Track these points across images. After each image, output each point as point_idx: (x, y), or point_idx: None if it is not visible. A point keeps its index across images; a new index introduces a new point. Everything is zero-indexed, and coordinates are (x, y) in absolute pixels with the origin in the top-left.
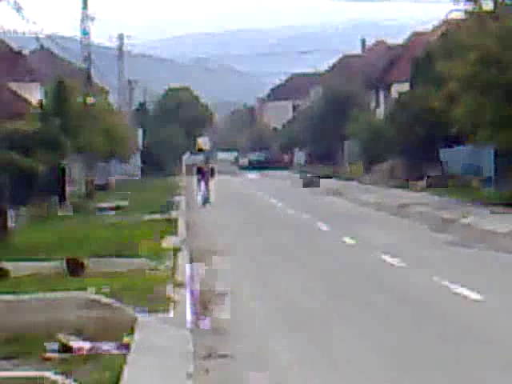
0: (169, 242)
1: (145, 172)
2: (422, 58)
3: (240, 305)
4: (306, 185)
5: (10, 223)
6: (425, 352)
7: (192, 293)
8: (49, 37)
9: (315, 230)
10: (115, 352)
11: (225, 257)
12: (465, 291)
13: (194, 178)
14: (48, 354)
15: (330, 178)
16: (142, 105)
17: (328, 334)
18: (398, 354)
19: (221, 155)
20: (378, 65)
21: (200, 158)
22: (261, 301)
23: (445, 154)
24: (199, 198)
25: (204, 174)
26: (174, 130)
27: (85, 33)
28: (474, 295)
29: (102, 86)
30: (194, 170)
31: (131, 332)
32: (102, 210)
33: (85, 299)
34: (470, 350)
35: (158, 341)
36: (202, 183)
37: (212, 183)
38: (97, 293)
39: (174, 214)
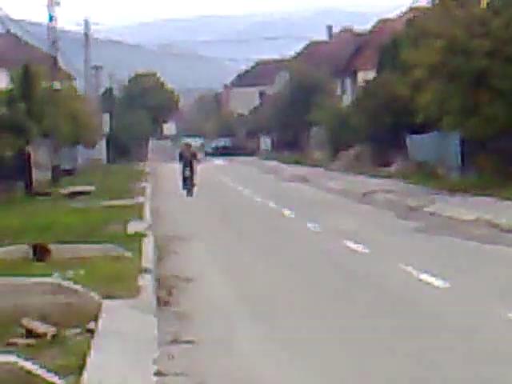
0: (134, 227)
1: (111, 157)
2: (389, 45)
3: (205, 291)
4: None
5: None
6: (388, 339)
7: (157, 278)
8: (15, 21)
9: (281, 216)
10: (80, 337)
11: (190, 243)
12: (429, 278)
13: (178, 165)
14: (13, 340)
15: (299, 163)
16: (109, 90)
17: (292, 320)
18: (361, 341)
19: (187, 141)
20: (345, 52)
21: (166, 143)
22: (226, 287)
23: (411, 141)
24: (182, 187)
25: (186, 160)
26: (140, 115)
27: (51, 18)
28: (439, 282)
29: (68, 72)
30: (176, 156)
31: (96, 317)
32: (67, 195)
33: (50, 284)
34: (434, 337)
35: (123, 326)
36: (187, 171)
37: (196, 171)
38: (62, 278)
39: (139, 199)
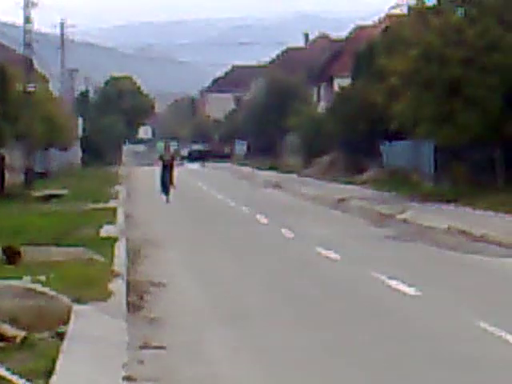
0: (107, 231)
1: (85, 161)
2: (364, 52)
3: (177, 296)
4: None
5: None
6: (359, 347)
7: (128, 283)
8: None
9: (255, 222)
10: (50, 341)
11: (163, 248)
12: (400, 285)
13: (157, 169)
14: None
15: (274, 169)
16: (84, 93)
17: (263, 326)
18: (332, 348)
19: (161, 145)
20: (321, 58)
21: (141, 147)
22: (197, 292)
23: (385, 148)
24: (160, 191)
25: (166, 162)
26: (115, 118)
27: (27, 20)
28: (410, 289)
29: (43, 74)
30: (154, 160)
31: (67, 321)
32: (40, 198)
33: (20, 288)
34: (404, 344)
35: (93, 330)
36: (165, 174)
37: (175, 174)
38: (33, 281)
39: (113, 203)
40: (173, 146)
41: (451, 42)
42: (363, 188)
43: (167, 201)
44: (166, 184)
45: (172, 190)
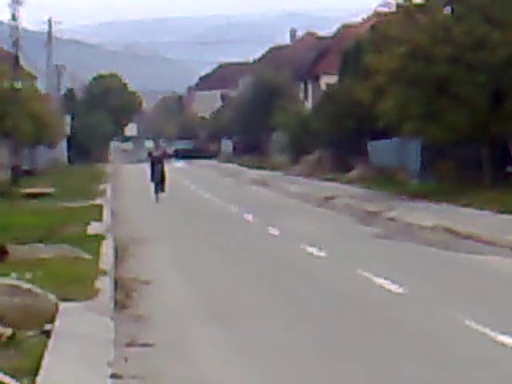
0: (94, 228)
1: (72, 158)
2: (351, 50)
3: (163, 294)
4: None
5: None
6: (344, 344)
7: (115, 280)
8: None
9: (241, 220)
10: (36, 339)
11: (149, 246)
12: (387, 283)
13: (144, 167)
14: None
15: (260, 168)
16: (70, 91)
17: (249, 325)
18: (318, 345)
19: (148, 143)
20: (307, 56)
21: (128, 145)
22: (184, 290)
23: (372, 146)
24: (152, 189)
25: (155, 161)
26: (102, 116)
27: (14, 17)
28: (396, 288)
29: (29, 71)
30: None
31: (53, 319)
32: (27, 195)
33: (7, 285)
34: (389, 342)
35: (80, 328)
36: (156, 171)
37: (166, 171)
38: (19, 279)
39: (100, 200)
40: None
41: (438, 40)
42: (350, 186)
43: (157, 200)
44: (157, 182)
45: (162, 194)
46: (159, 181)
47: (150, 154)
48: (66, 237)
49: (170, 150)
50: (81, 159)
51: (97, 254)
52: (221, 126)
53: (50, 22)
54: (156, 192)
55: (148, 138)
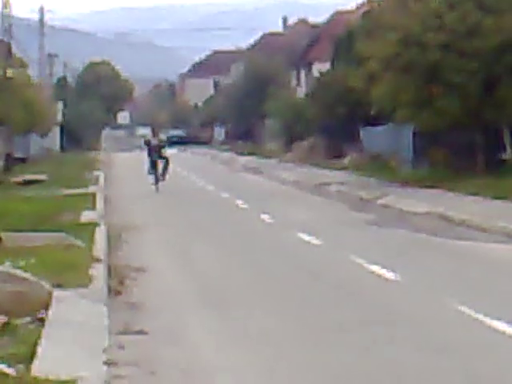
0: (87, 216)
1: (64, 146)
2: (344, 37)
3: (157, 281)
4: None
5: None
6: (338, 331)
7: (109, 268)
8: None
9: (234, 207)
10: (31, 326)
11: (143, 233)
12: (380, 270)
13: (145, 154)
14: None
15: (253, 155)
16: (63, 79)
17: (242, 311)
18: (311, 334)
19: (141, 130)
20: (300, 43)
21: (120, 133)
22: (178, 277)
23: (365, 133)
24: (150, 177)
25: (152, 148)
26: (94, 104)
27: (5, 5)
28: (390, 274)
29: (22, 59)
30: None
31: (47, 306)
32: (20, 183)
33: (0, 273)
34: (384, 328)
35: (74, 315)
36: (155, 161)
37: (167, 158)
38: (13, 267)
39: (92, 188)
40: (147, 131)
41: (431, 27)
42: (343, 173)
43: (157, 190)
44: (157, 171)
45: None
46: (162, 171)
47: (147, 143)
48: (59, 224)
49: (164, 137)
50: (73, 147)
51: (90, 241)
52: (213, 113)
53: (41, 9)
54: (156, 183)
55: (140, 125)
